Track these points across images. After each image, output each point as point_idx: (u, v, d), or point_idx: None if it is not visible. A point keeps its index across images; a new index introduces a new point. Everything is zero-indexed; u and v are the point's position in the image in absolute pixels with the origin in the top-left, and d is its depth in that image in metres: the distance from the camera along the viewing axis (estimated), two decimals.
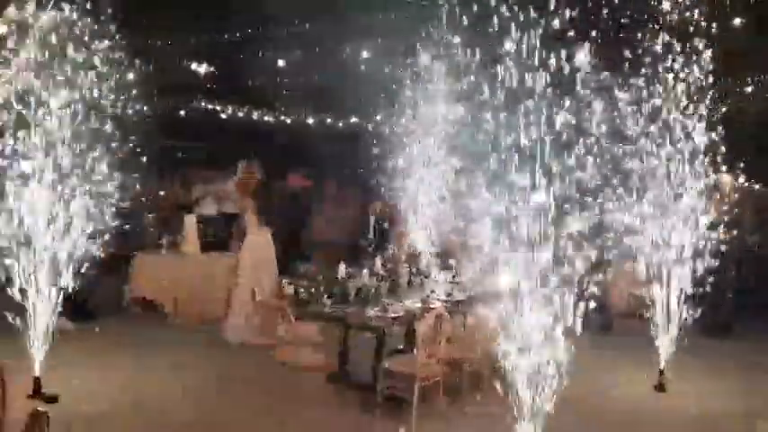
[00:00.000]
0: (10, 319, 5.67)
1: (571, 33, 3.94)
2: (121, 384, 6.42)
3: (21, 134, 5.62)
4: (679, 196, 6.64)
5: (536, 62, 3.96)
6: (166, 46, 12.63)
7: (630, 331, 8.38)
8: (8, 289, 5.69)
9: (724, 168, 6.79)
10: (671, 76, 6.48)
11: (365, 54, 13.17)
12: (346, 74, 13.27)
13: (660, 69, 6.49)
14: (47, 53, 5.64)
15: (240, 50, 14.52)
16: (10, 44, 5.62)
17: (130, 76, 6.29)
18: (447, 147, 8.81)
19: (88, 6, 5.79)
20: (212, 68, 16.12)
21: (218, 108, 17.44)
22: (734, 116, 6.76)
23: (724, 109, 6.64)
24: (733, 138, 6.72)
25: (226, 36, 12.97)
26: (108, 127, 5.98)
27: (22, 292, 5.73)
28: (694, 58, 6.50)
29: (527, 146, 3.95)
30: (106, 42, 5.88)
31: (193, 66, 15.48)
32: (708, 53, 6.44)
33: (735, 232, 7.31)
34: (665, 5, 6.46)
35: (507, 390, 4.23)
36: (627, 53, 6.35)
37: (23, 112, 5.61)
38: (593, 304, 4.06)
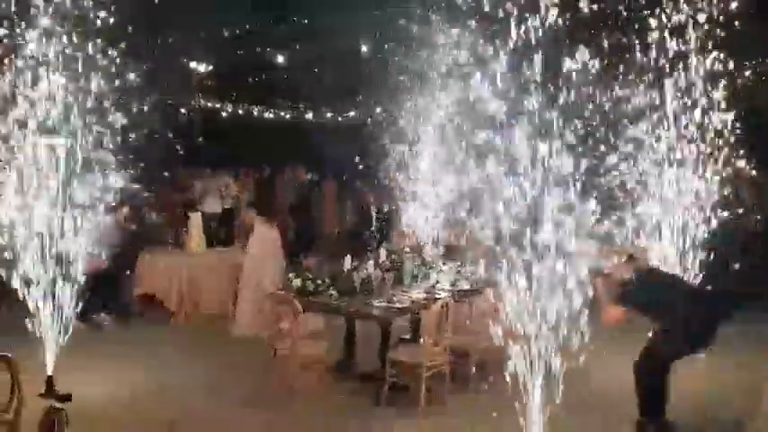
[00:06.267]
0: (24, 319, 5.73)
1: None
2: (130, 381, 6.47)
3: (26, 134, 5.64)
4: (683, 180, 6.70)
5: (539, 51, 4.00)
6: (167, 42, 12.65)
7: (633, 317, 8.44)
8: (20, 290, 5.73)
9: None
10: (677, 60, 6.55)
11: (367, 47, 13.18)
12: (350, 66, 13.30)
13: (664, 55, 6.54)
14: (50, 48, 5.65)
15: (246, 47, 14.53)
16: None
17: (131, 75, 6.30)
18: (451, 140, 8.86)
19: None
20: (211, 67, 16.14)
21: (218, 106, 17.46)
22: (734, 100, 6.79)
23: (725, 93, 6.67)
24: (736, 122, 6.78)
25: (226, 33, 12.98)
26: (111, 126, 6.00)
27: (33, 292, 5.77)
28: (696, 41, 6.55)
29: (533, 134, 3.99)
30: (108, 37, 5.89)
31: (192, 64, 15.50)
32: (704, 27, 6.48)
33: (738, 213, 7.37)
34: None
35: (514, 377, 4.27)
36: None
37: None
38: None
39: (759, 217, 9.61)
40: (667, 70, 6.63)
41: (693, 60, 6.62)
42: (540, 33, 3.96)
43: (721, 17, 6.52)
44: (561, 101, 3.99)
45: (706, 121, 6.73)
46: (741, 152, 7.09)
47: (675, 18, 6.56)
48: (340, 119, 17.52)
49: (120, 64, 6.02)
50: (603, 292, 5.00)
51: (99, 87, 5.86)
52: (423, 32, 8.84)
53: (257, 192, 11.62)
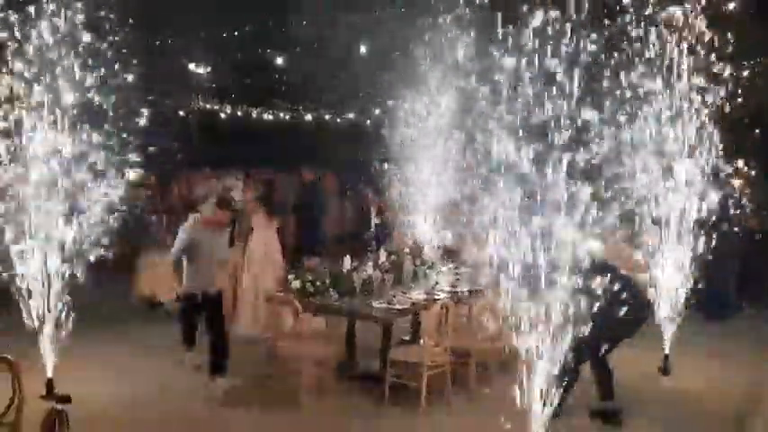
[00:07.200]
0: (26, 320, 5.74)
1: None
2: (130, 383, 6.47)
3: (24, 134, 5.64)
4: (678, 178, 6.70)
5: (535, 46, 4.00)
6: (166, 44, 12.67)
7: None
8: (20, 292, 5.74)
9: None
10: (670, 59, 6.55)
11: (365, 47, 13.22)
12: (347, 64, 13.33)
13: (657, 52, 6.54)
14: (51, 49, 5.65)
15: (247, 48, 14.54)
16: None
17: (130, 77, 6.30)
18: (452, 138, 8.88)
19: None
20: (209, 69, 16.17)
21: (217, 108, 17.50)
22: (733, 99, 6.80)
23: (722, 93, 6.67)
24: (733, 123, 6.79)
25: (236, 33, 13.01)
26: (112, 128, 6.00)
27: (33, 294, 5.77)
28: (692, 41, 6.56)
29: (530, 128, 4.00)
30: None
31: (192, 66, 15.52)
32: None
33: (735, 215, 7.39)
34: None
35: (514, 376, 4.28)
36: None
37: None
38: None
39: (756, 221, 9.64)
40: (665, 69, 6.63)
41: (692, 60, 6.62)
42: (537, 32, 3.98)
43: (721, 16, 6.53)
44: (559, 100, 4.00)
45: (704, 120, 6.73)
46: (741, 152, 7.11)
47: (674, 17, 6.55)
48: (339, 120, 17.57)
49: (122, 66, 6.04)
50: None
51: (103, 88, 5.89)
52: (421, 32, 8.86)
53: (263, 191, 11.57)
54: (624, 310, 5.55)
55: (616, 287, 5.49)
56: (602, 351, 5.76)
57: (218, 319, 6.50)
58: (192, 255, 6.46)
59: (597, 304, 4.16)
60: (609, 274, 5.48)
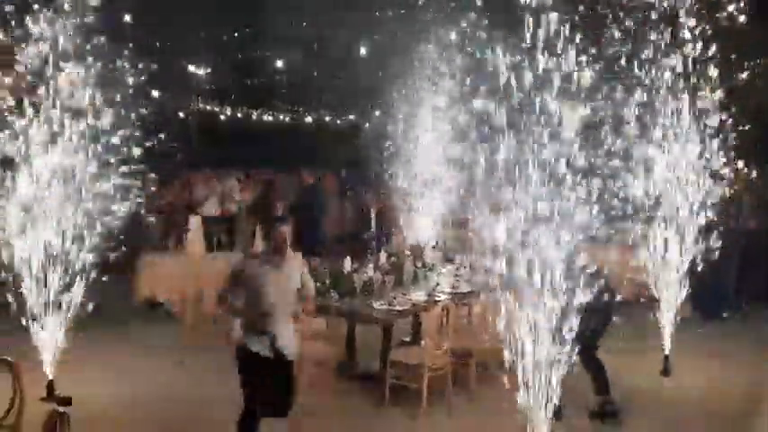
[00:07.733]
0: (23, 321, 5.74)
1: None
2: (130, 383, 6.49)
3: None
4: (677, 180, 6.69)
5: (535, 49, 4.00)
6: (166, 45, 12.68)
7: (633, 318, 8.46)
8: (20, 293, 5.74)
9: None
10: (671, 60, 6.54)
11: (365, 47, 13.24)
12: (347, 65, 13.36)
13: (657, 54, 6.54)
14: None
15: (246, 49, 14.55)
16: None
17: (131, 78, 6.30)
18: (451, 138, 8.89)
19: None
20: (209, 70, 16.18)
21: (217, 109, 17.50)
22: (733, 101, 6.79)
23: (722, 94, 6.67)
24: (732, 123, 6.77)
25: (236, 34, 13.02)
26: (111, 128, 6.00)
27: (34, 295, 5.77)
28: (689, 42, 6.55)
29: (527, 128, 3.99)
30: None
31: (192, 67, 15.52)
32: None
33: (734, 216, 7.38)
34: None
35: (515, 378, 4.28)
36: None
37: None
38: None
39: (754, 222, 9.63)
40: (664, 68, 6.62)
41: (691, 60, 6.61)
42: (537, 30, 3.98)
43: (720, 17, 6.53)
44: (559, 99, 4.00)
45: (703, 121, 6.72)
46: (740, 153, 7.09)
47: (673, 16, 6.55)
48: (339, 121, 17.57)
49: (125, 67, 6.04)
50: None
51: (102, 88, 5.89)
52: (419, 31, 8.88)
53: (259, 197, 11.57)
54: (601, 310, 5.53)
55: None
56: (591, 347, 5.74)
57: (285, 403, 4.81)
58: (247, 299, 4.66)
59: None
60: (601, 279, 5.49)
